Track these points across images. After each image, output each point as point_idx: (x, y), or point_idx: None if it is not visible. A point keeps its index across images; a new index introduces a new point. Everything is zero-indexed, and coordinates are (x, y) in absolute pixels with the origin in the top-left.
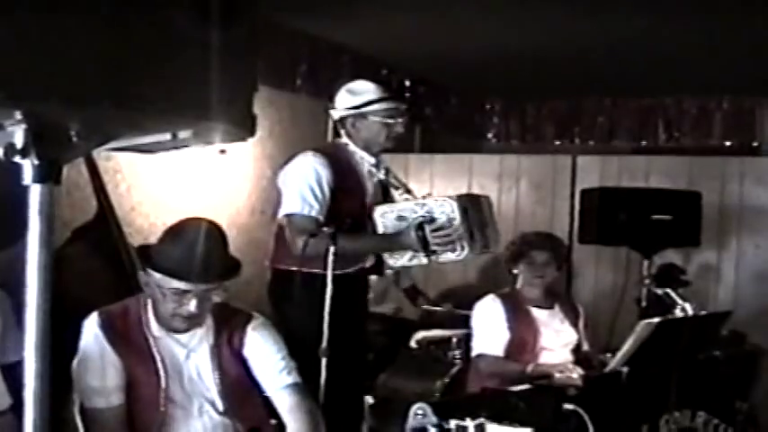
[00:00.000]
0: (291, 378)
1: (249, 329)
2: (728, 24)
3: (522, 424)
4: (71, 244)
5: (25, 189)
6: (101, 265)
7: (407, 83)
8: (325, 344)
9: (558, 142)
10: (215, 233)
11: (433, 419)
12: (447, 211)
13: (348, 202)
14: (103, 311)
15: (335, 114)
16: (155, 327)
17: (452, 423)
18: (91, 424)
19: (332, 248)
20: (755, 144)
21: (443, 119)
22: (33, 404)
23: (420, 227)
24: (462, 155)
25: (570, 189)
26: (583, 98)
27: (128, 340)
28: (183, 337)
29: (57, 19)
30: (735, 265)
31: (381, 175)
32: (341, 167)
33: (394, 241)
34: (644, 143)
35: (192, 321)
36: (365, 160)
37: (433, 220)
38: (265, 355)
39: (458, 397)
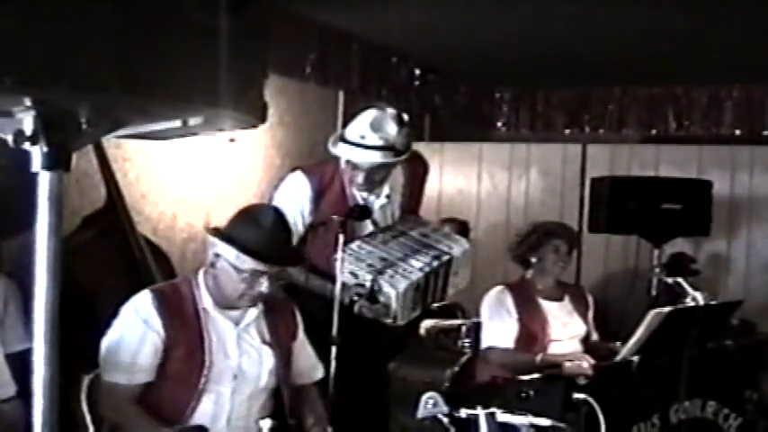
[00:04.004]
0: (321, 372)
1: (299, 322)
2: (739, 12)
3: (533, 413)
4: (81, 232)
5: (34, 177)
6: (110, 253)
7: (417, 71)
8: (335, 332)
9: (567, 131)
10: (285, 219)
11: (444, 409)
12: (391, 295)
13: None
14: (156, 289)
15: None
16: (208, 303)
17: (463, 412)
18: (108, 399)
19: (341, 237)
20: (766, 133)
21: (453, 107)
22: (43, 391)
23: (354, 297)
24: (472, 143)
25: (580, 178)
26: (593, 87)
27: (180, 316)
28: (235, 315)
29: (66, 4)
30: (745, 254)
31: (377, 206)
32: (329, 189)
33: (331, 292)
34: (654, 132)
35: (257, 300)
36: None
37: (372, 294)
38: (307, 348)
39: (468, 386)
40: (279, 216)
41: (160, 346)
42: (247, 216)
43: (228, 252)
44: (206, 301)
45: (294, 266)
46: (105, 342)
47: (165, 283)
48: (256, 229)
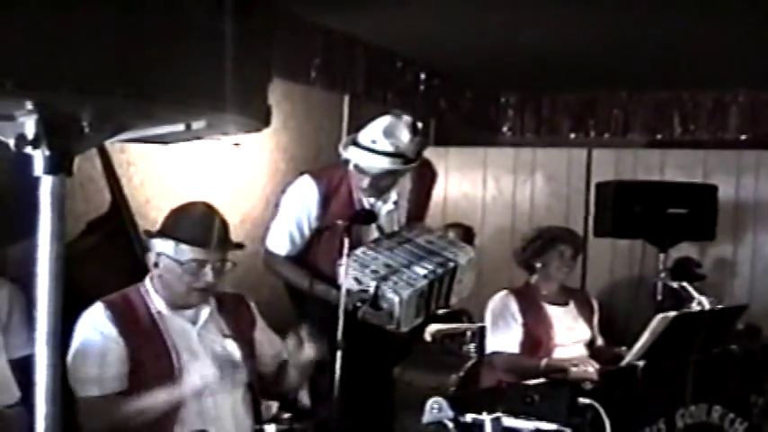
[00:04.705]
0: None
1: (254, 311)
2: (744, 17)
3: (539, 418)
4: (85, 237)
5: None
6: (115, 258)
7: (422, 76)
8: (340, 336)
9: (573, 135)
10: (218, 211)
11: (450, 413)
12: (394, 302)
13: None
14: (106, 300)
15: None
16: (161, 306)
17: (469, 417)
18: (87, 413)
19: (346, 241)
20: None
21: (458, 112)
22: (45, 396)
23: (358, 304)
24: (477, 148)
25: (585, 182)
26: (598, 91)
27: (136, 323)
28: (190, 314)
29: (68, 7)
30: (750, 258)
31: (384, 211)
32: (337, 194)
33: (335, 298)
34: (659, 136)
35: (206, 295)
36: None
37: (375, 300)
38: (270, 334)
39: (474, 391)
40: (210, 208)
41: (124, 355)
42: (180, 211)
43: (167, 246)
44: (158, 304)
45: (238, 250)
46: (69, 360)
47: (114, 294)
48: (190, 221)
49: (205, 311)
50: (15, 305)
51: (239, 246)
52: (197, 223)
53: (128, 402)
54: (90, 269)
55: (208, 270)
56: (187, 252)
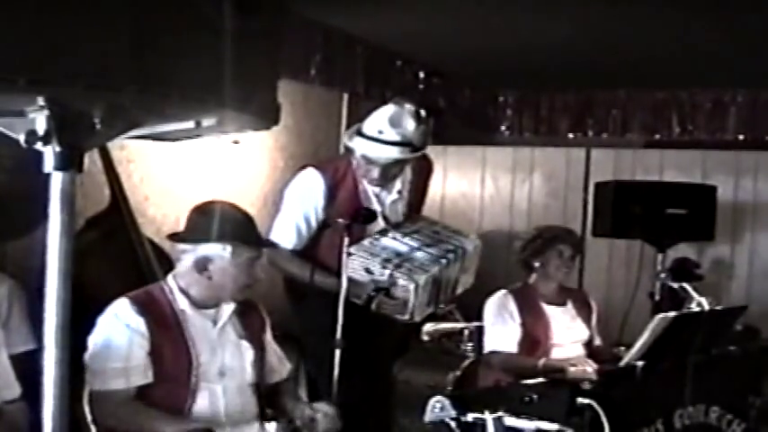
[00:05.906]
0: (289, 367)
1: (265, 317)
2: (743, 16)
3: (537, 418)
4: (84, 233)
5: (40, 179)
6: (114, 255)
7: (421, 74)
8: (339, 335)
9: (571, 135)
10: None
11: (452, 413)
12: (409, 288)
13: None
14: (131, 295)
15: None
16: (184, 305)
17: (470, 416)
18: (107, 405)
19: (346, 240)
20: None
21: (456, 111)
22: (53, 391)
23: (372, 293)
24: (475, 147)
25: (584, 182)
26: (596, 91)
27: (160, 319)
28: (211, 313)
29: (80, 4)
30: (748, 259)
31: (388, 201)
32: (342, 185)
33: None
34: (658, 136)
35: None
36: (367, 184)
37: (389, 290)
38: (274, 344)
39: (475, 390)
40: (238, 206)
41: (147, 348)
42: (215, 213)
43: (216, 249)
44: (182, 302)
45: (269, 246)
46: (90, 354)
47: (138, 290)
48: (234, 222)
49: (226, 312)
50: (15, 301)
51: (272, 243)
52: (241, 223)
53: (143, 412)
54: (88, 266)
55: (257, 265)
56: (243, 251)
